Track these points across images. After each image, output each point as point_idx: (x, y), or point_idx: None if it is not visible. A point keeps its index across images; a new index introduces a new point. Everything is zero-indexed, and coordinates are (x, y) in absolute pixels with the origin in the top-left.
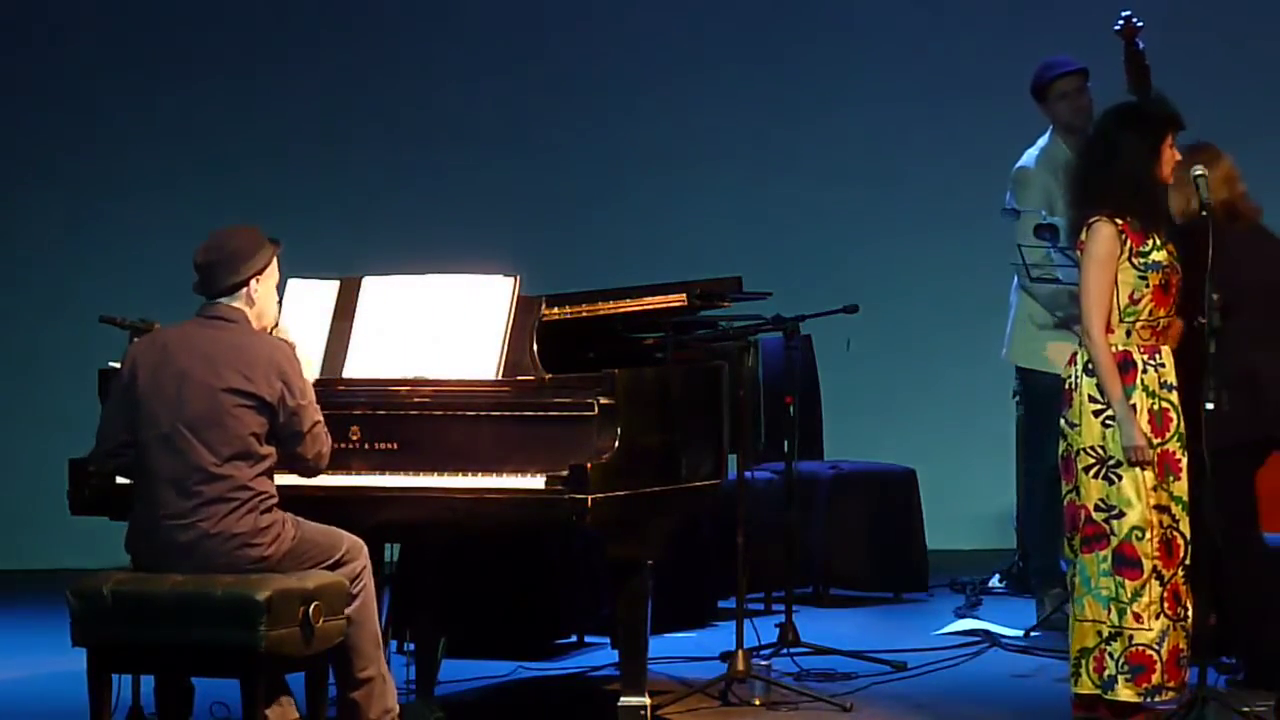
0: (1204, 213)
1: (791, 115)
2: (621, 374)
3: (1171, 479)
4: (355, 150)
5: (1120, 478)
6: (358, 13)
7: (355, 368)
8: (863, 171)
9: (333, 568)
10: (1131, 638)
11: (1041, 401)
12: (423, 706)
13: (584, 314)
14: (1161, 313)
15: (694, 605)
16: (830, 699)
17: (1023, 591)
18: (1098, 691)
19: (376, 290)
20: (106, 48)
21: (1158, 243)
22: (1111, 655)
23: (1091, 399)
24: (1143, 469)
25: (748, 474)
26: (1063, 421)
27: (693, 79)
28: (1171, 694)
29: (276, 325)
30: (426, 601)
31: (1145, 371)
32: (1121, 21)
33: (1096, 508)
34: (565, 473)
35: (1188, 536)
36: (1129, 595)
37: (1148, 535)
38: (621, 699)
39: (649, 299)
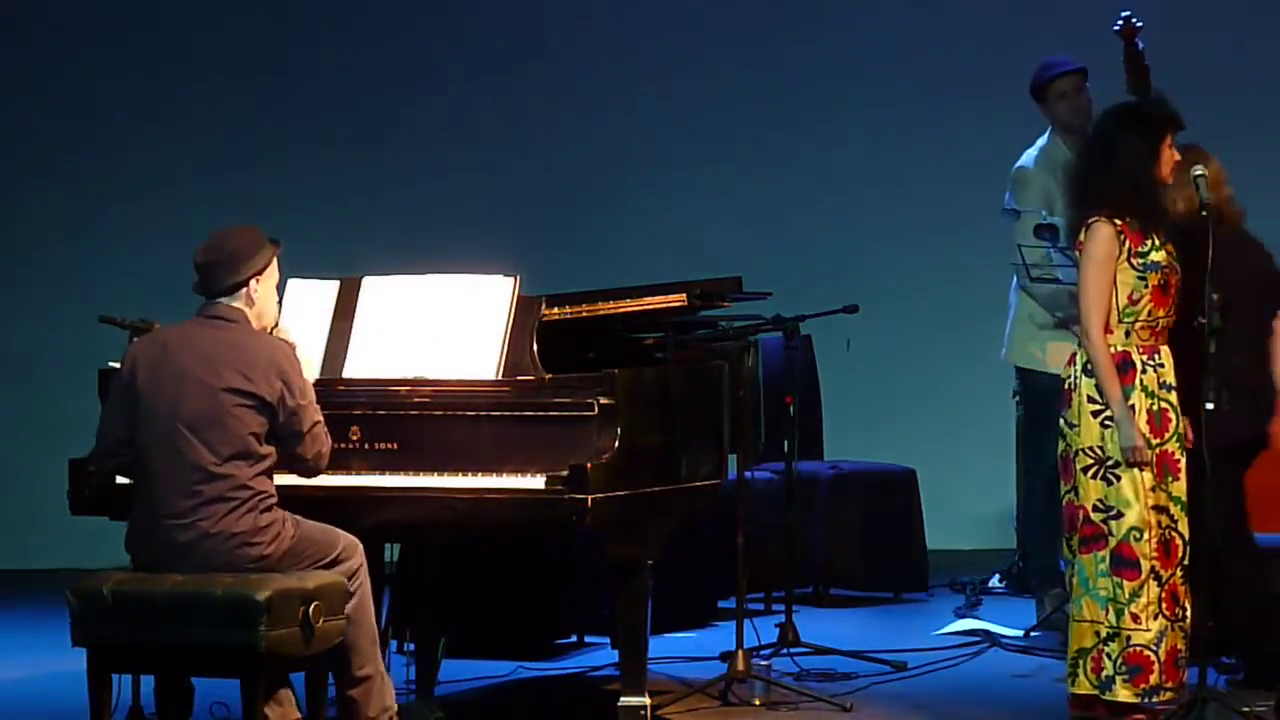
0: (1204, 213)
1: (791, 115)
2: (621, 374)
3: (1170, 479)
4: (355, 150)
5: (1119, 478)
6: (358, 13)
7: (355, 368)
8: (863, 172)
9: (329, 566)
10: (1129, 638)
11: (1041, 401)
12: (423, 706)
13: (584, 314)
14: (1161, 313)
15: (694, 605)
16: (830, 699)
17: (1023, 591)
18: (1095, 692)
19: (376, 290)
20: (106, 48)
21: (1157, 243)
22: (1109, 656)
23: (1090, 399)
24: (1141, 470)
25: (748, 474)
26: (1062, 422)
27: (693, 79)
28: (1169, 694)
29: (276, 325)
30: (426, 601)
31: (1144, 372)
32: (1121, 21)
33: (1095, 508)
34: (565, 473)
35: (1186, 537)
36: (1127, 596)
37: (1146, 536)
38: (621, 699)
39: (649, 299)
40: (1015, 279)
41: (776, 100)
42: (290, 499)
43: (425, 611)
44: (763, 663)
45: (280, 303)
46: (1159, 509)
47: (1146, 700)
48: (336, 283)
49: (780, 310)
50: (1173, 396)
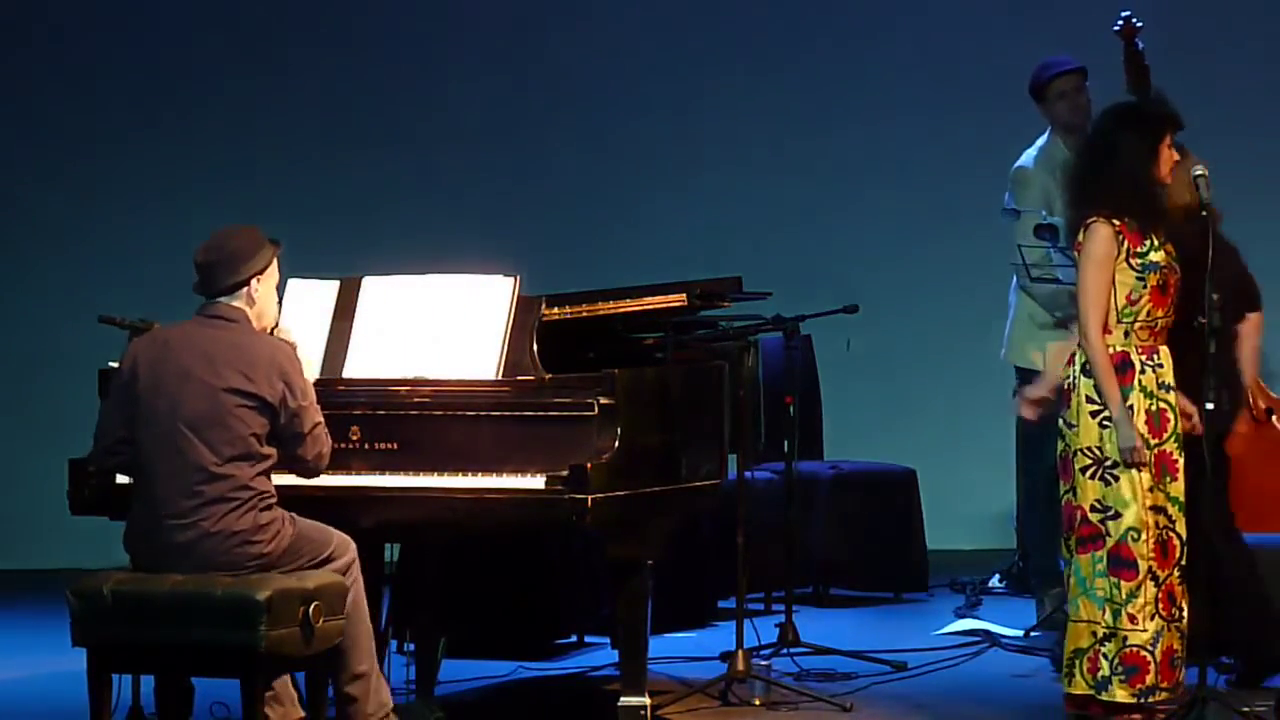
0: (1204, 213)
1: (791, 116)
2: (621, 374)
3: (1168, 480)
4: (355, 150)
5: (1117, 478)
6: (358, 13)
7: (355, 368)
8: (863, 171)
9: (324, 563)
10: (1126, 639)
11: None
12: (423, 706)
13: (584, 314)
14: (1160, 313)
15: (694, 605)
16: (830, 699)
17: (1023, 591)
18: (1091, 692)
19: (376, 290)
20: (106, 48)
21: (1156, 243)
22: (1106, 656)
23: (1089, 399)
24: (1139, 470)
25: (748, 474)
26: (1060, 422)
27: (693, 79)
28: (1165, 694)
29: (277, 325)
30: (426, 601)
31: (1143, 372)
32: (1121, 21)
33: (1093, 508)
34: (565, 473)
35: (1184, 537)
36: (1124, 596)
37: (1143, 536)
38: (621, 699)
39: (649, 299)
40: (1015, 279)
41: (776, 102)
42: (290, 499)
43: (425, 611)
44: (763, 663)
45: (280, 303)
46: (1157, 509)
47: (1142, 700)
48: (336, 283)
49: (780, 310)
50: (1171, 397)
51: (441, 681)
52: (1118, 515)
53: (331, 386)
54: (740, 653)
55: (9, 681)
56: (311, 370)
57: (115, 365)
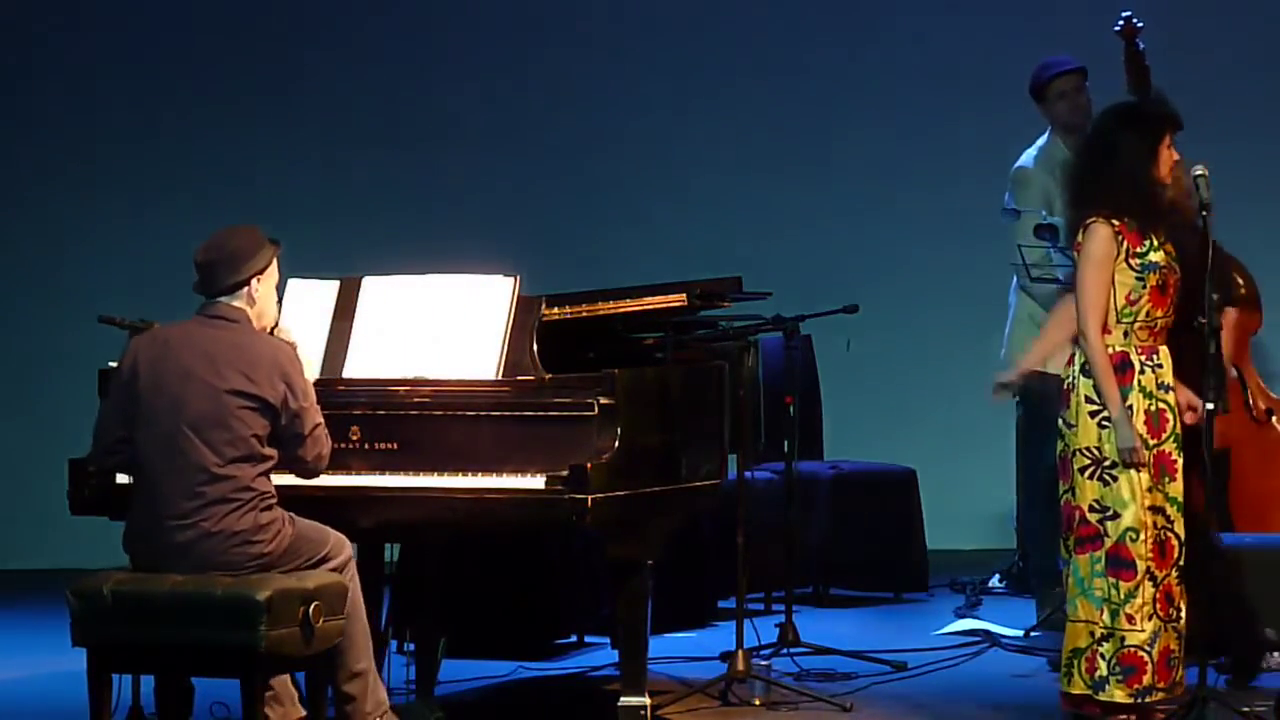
0: (1204, 212)
1: (791, 117)
2: (621, 374)
3: (1167, 480)
4: (355, 150)
5: (1115, 479)
6: (358, 13)
7: (355, 368)
8: (863, 171)
9: (321, 562)
10: (1123, 639)
11: (1041, 402)
12: (423, 706)
13: (584, 314)
14: (1159, 313)
15: (694, 605)
16: (830, 699)
17: (1023, 591)
18: (1089, 692)
19: (376, 290)
20: (106, 48)
21: (1155, 243)
22: (1103, 656)
23: (1088, 400)
24: (1138, 470)
25: (748, 474)
26: (1060, 422)
27: (693, 79)
28: (1161, 694)
29: (277, 325)
30: (426, 601)
31: (1143, 372)
32: (1121, 22)
33: (1091, 508)
34: (565, 473)
35: (1182, 538)
36: (1122, 596)
37: (1142, 536)
38: (621, 699)
39: (649, 299)
40: (1015, 279)
41: (776, 101)
42: (290, 499)
43: (425, 611)
44: (763, 663)
45: (280, 303)
46: (1155, 509)
47: (1139, 700)
48: (336, 283)
49: (780, 310)
50: (1171, 397)
51: (441, 681)
52: (1116, 515)
53: (331, 386)
54: (740, 653)
55: (9, 681)
56: (311, 370)
57: (115, 365)
